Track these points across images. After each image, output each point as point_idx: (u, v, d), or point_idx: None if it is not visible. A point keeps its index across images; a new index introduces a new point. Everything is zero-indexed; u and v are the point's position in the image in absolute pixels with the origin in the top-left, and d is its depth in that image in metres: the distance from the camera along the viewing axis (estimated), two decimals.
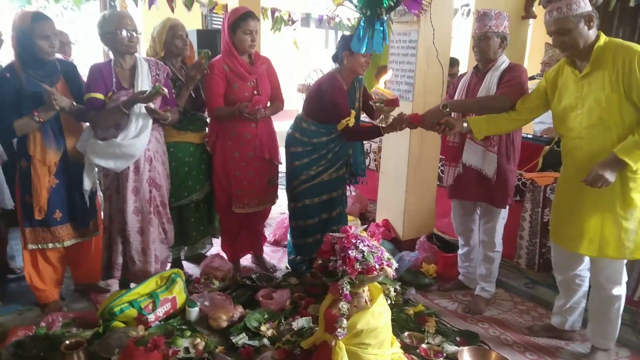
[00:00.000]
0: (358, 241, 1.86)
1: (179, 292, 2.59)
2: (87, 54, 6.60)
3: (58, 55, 2.71)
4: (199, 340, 2.28)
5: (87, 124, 2.57)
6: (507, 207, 2.68)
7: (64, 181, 2.53)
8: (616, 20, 5.46)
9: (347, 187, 3.10)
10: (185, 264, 3.19)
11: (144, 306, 2.43)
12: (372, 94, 2.52)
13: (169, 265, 2.95)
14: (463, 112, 2.55)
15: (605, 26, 5.21)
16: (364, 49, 2.50)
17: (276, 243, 3.70)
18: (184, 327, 2.42)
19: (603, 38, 2.00)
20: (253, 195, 2.94)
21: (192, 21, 6.17)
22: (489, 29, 2.45)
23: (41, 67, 2.40)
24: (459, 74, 3.16)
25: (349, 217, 3.59)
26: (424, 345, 2.33)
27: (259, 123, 2.84)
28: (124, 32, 2.41)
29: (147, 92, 2.36)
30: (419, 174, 3.40)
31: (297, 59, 9.34)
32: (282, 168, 3.03)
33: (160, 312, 2.49)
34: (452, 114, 2.51)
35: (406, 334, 2.42)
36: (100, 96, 2.44)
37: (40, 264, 2.59)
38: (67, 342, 2.16)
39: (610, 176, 1.94)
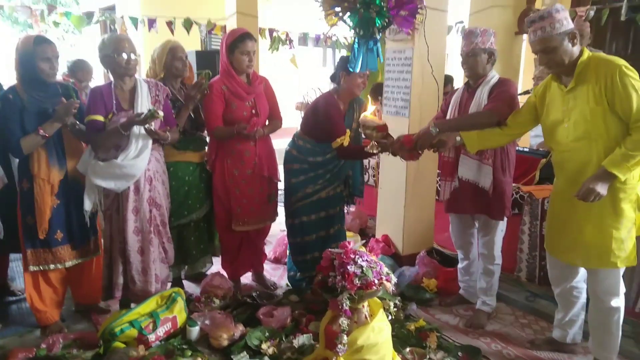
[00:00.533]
0: (357, 256, 1.88)
1: (179, 312, 2.59)
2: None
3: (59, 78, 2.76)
4: (200, 359, 2.27)
5: (88, 144, 2.60)
6: (505, 219, 2.69)
7: (65, 201, 2.55)
8: (609, 34, 5.55)
9: (346, 206, 3.11)
10: (185, 283, 3.19)
11: (145, 326, 2.43)
12: (360, 122, 2.55)
13: (169, 284, 2.96)
14: (453, 132, 2.57)
15: (598, 40, 5.30)
16: (359, 67, 2.54)
17: (276, 260, 3.69)
18: (184, 346, 2.41)
19: (586, 53, 2.05)
20: (253, 212, 2.95)
21: (191, 42, 6.25)
22: (475, 45, 2.50)
23: (42, 89, 2.44)
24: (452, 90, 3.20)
25: (349, 233, 3.60)
26: None
27: (258, 141, 2.88)
28: (123, 55, 2.47)
29: (143, 115, 2.40)
30: (418, 189, 3.42)
31: (296, 77, 9.43)
32: (281, 185, 3.05)
33: (161, 331, 2.48)
34: None
35: (408, 349, 2.40)
36: (100, 118, 2.48)
37: (41, 285, 2.59)
38: None
39: (601, 189, 1.96)
